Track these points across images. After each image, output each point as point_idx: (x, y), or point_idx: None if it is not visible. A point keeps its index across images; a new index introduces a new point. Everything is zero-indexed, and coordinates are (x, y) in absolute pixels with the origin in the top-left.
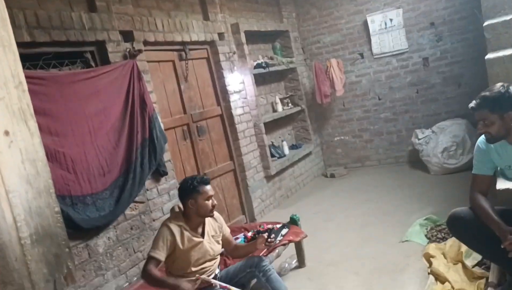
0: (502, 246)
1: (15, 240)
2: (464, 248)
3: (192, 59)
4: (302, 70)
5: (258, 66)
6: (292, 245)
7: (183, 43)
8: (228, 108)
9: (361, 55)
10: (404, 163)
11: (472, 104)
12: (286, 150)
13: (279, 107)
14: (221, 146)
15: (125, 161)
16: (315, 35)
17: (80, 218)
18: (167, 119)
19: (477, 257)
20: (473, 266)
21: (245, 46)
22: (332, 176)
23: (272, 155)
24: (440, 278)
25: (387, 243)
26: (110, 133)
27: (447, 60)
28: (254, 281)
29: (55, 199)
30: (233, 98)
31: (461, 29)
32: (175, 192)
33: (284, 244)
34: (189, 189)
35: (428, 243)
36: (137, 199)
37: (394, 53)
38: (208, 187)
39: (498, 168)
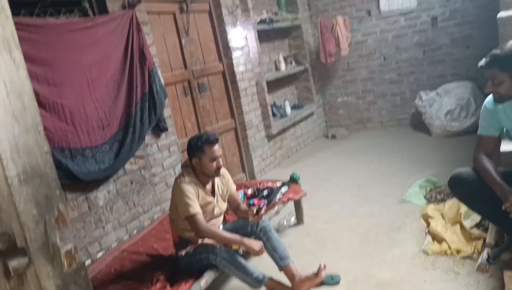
0: (503, 208)
1: (1, 178)
2: (463, 209)
3: (193, 11)
4: (307, 28)
5: (262, 22)
6: (291, 202)
7: None
8: (230, 64)
9: (369, 12)
10: (406, 126)
11: (482, 62)
12: (288, 110)
13: (282, 66)
14: (222, 104)
15: (125, 115)
16: None
17: (80, 170)
18: (167, 74)
19: (476, 218)
20: (471, 228)
21: (249, 0)
22: (333, 137)
23: (274, 115)
24: (437, 238)
25: (385, 204)
26: (109, 86)
27: (456, 20)
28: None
29: (43, 138)
30: (235, 54)
31: None
32: (175, 148)
33: (283, 202)
34: (195, 147)
35: (426, 204)
36: (137, 154)
37: (403, 11)
38: (215, 147)
39: (504, 129)
